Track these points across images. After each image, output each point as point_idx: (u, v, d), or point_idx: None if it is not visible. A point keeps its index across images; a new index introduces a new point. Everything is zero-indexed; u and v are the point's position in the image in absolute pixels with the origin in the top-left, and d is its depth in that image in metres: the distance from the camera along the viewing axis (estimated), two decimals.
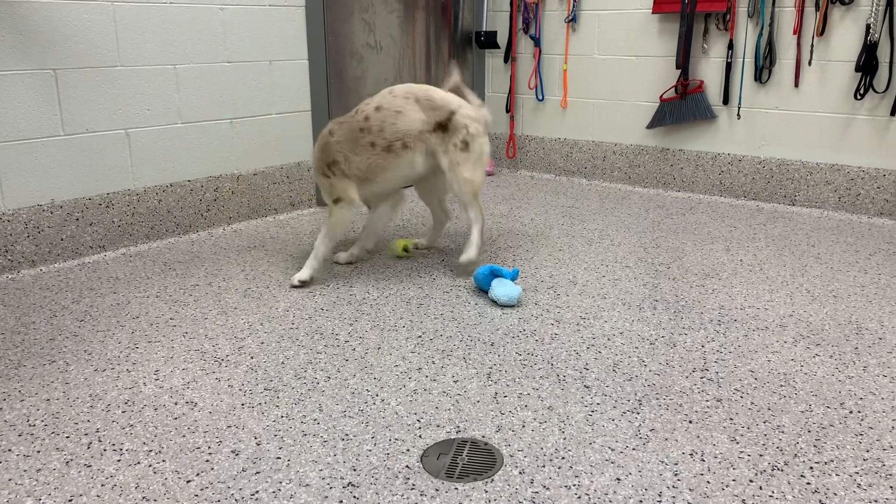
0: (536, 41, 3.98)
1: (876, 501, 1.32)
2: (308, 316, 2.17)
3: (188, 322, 2.14)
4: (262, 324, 2.12)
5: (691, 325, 2.11)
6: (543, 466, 1.43)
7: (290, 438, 1.54)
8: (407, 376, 1.80)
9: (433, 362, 1.88)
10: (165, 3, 2.80)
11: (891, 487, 1.36)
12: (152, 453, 1.49)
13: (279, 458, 1.47)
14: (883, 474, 1.40)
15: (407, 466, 1.44)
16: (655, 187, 3.79)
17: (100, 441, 1.53)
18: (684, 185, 3.70)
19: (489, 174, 4.19)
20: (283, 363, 1.88)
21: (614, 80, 3.80)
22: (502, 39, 4.13)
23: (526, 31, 4.02)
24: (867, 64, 3.05)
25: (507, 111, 4.20)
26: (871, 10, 3.02)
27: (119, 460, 1.47)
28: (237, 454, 1.48)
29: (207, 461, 1.46)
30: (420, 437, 1.54)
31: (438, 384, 1.76)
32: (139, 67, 2.76)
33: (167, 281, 2.48)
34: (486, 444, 1.51)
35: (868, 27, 3.03)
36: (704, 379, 1.78)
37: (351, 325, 2.11)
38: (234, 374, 1.82)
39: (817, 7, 3.15)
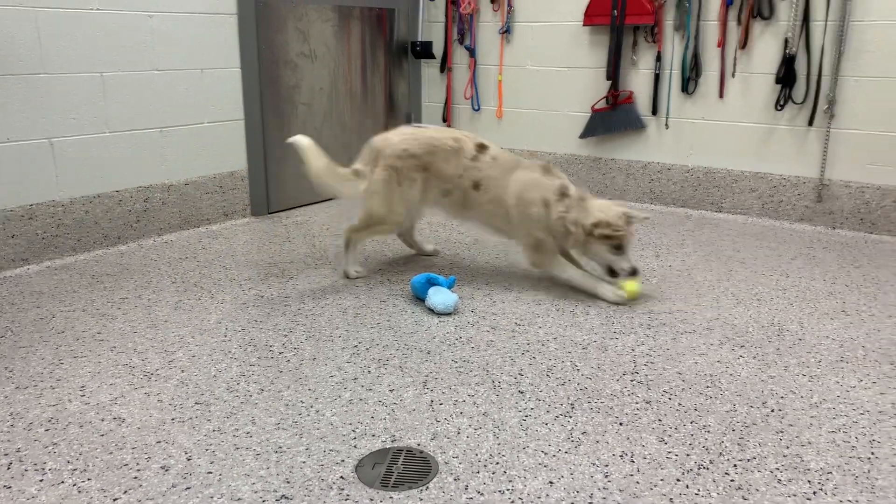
0: (472, 52, 4.03)
1: (795, 496, 1.37)
2: (241, 328, 2.14)
3: (116, 336, 2.08)
4: (193, 336, 2.08)
5: (622, 329, 2.15)
6: (478, 472, 1.44)
7: (222, 452, 1.51)
8: (342, 386, 1.79)
9: (369, 372, 1.87)
10: (91, 9, 2.73)
11: (809, 482, 1.41)
12: (77, 472, 1.44)
13: (210, 472, 1.44)
14: (802, 469, 1.46)
15: (341, 477, 1.43)
16: None
17: (21, 461, 1.48)
18: (616, 193, 3.78)
19: None
20: (214, 376, 1.84)
21: (548, 90, 3.87)
22: (438, 50, 4.16)
23: (461, 41, 4.06)
24: (786, 76, 3.19)
25: (444, 121, 4.23)
26: (789, 25, 3.16)
27: (41, 480, 1.41)
28: (167, 470, 1.45)
29: (136, 478, 1.42)
30: (355, 447, 1.53)
31: (374, 394, 1.76)
32: (64, 75, 2.68)
33: (94, 294, 2.41)
34: (421, 452, 1.52)
35: (786, 41, 3.17)
36: (634, 382, 1.83)
37: (286, 336, 2.09)
38: (164, 389, 1.78)
39: (739, 21, 3.28)
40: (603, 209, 2.35)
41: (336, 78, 3.73)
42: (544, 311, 2.29)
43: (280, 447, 1.53)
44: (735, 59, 3.33)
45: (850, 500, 1.36)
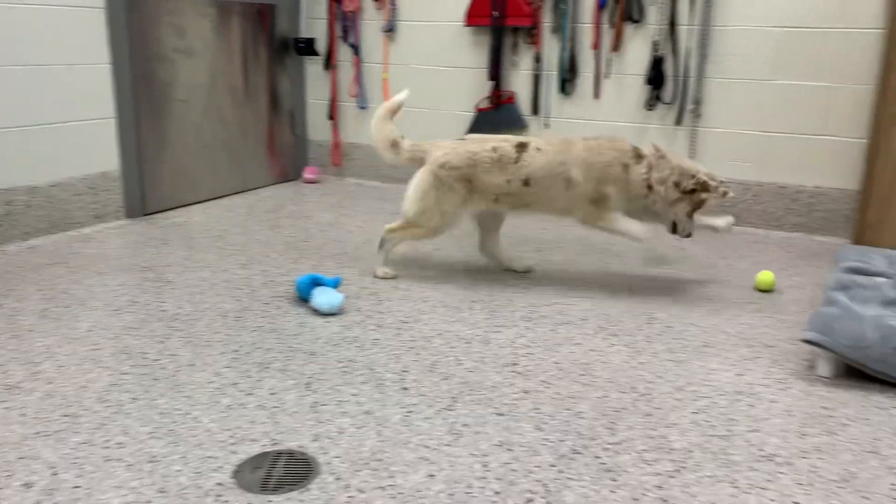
0: (356, 49, 4.01)
1: (659, 474, 1.46)
2: (114, 335, 2.05)
3: None
4: (61, 346, 1.98)
5: (504, 322, 2.21)
6: (359, 470, 1.45)
7: (91, 465, 1.44)
8: (221, 392, 1.75)
9: (249, 376, 1.84)
10: None
11: (672, 461, 1.50)
12: None
13: (78, 486, 1.38)
14: (666, 449, 1.55)
15: (219, 483, 1.40)
16: None
17: None
18: None
19: (313, 181, 4.16)
20: (84, 387, 1.76)
21: (433, 89, 3.91)
22: (322, 47, 4.12)
23: (345, 39, 4.04)
24: (656, 78, 3.36)
25: (330, 118, 4.19)
26: (658, 29, 3.33)
27: None
28: (30, 487, 1.37)
29: None
30: (234, 452, 1.50)
31: (255, 398, 1.73)
32: None
33: None
34: (302, 453, 1.50)
35: (655, 44, 3.34)
36: (514, 373, 1.88)
37: (161, 342, 2.02)
38: (28, 402, 1.68)
39: (612, 24, 3.42)
40: (692, 166, 2.43)
41: (215, 74, 3.63)
42: (430, 307, 2.32)
43: (154, 456, 1.48)
44: (609, 60, 3.48)
45: (708, 476, 1.45)
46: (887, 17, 2.80)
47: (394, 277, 2.59)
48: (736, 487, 1.42)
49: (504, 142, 2.52)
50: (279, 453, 1.50)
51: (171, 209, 3.48)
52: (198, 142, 3.59)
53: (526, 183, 2.48)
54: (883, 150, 2.63)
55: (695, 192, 2.40)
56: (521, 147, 2.50)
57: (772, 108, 3.23)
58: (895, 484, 1.44)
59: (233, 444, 1.53)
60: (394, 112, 2.59)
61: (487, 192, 2.50)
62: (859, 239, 2.73)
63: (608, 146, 2.48)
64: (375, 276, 2.59)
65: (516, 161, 2.48)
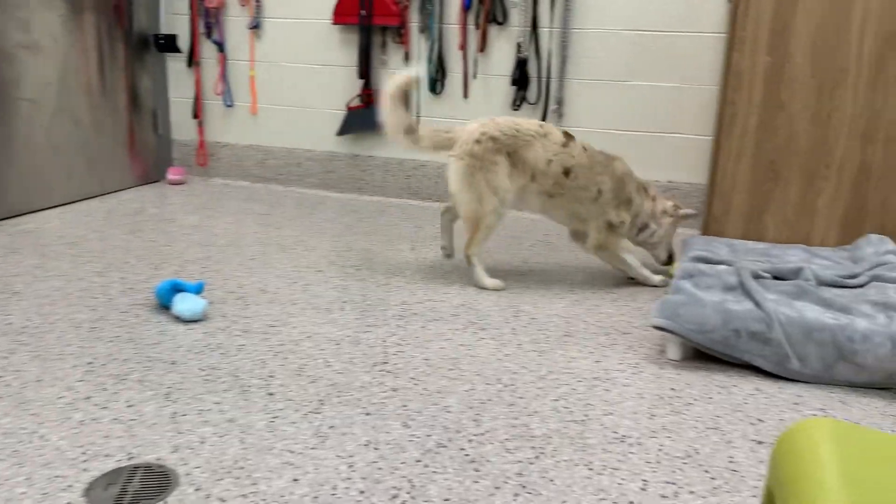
0: (220, 46, 3.89)
1: (520, 462, 1.51)
2: None
3: None
4: None
5: (375, 322, 2.22)
6: (221, 479, 1.42)
7: None
8: (72, 407, 1.66)
9: (104, 389, 1.75)
10: None
11: (532, 447, 1.56)
12: None
13: None
14: (528, 437, 1.60)
15: (69, 503, 1.33)
16: (350, 192, 3.92)
17: None
18: (376, 189, 3.87)
19: (178, 182, 4.00)
20: None
21: (302, 87, 3.86)
22: (184, 43, 3.97)
23: (209, 35, 3.91)
24: (520, 78, 3.46)
25: (195, 117, 4.05)
26: (521, 31, 3.43)
27: None
28: None
29: None
30: (85, 470, 1.43)
31: (110, 411, 1.65)
32: None
33: None
34: (160, 466, 1.45)
35: (519, 45, 3.44)
36: (384, 371, 1.89)
37: (6, 358, 1.88)
38: None
39: (477, 25, 3.50)
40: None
41: (66, 72, 3.42)
42: (299, 310, 2.29)
43: None
44: (476, 61, 3.55)
45: (566, 460, 1.52)
46: (728, 22, 3.01)
47: (503, 289, 2.53)
48: (591, 469, 1.49)
49: (551, 125, 2.56)
50: (135, 467, 1.44)
51: (20, 215, 3.25)
52: (48, 144, 3.37)
53: (566, 173, 2.48)
54: (725, 146, 2.84)
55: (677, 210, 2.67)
56: (569, 137, 2.54)
57: (628, 107, 3.40)
58: (733, 457, 1.56)
59: (84, 461, 1.46)
60: (405, 92, 2.43)
61: (526, 166, 2.46)
62: (707, 230, 2.93)
63: (632, 174, 2.64)
64: (488, 289, 2.53)
65: (564, 146, 2.49)
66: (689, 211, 2.69)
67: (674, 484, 1.45)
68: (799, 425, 0.72)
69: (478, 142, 2.43)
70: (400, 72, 2.46)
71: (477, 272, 2.55)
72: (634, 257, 2.64)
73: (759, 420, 1.71)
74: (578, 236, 2.68)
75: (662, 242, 2.69)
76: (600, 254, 2.63)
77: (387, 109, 2.47)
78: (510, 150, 2.44)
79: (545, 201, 2.55)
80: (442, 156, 2.55)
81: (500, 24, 3.47)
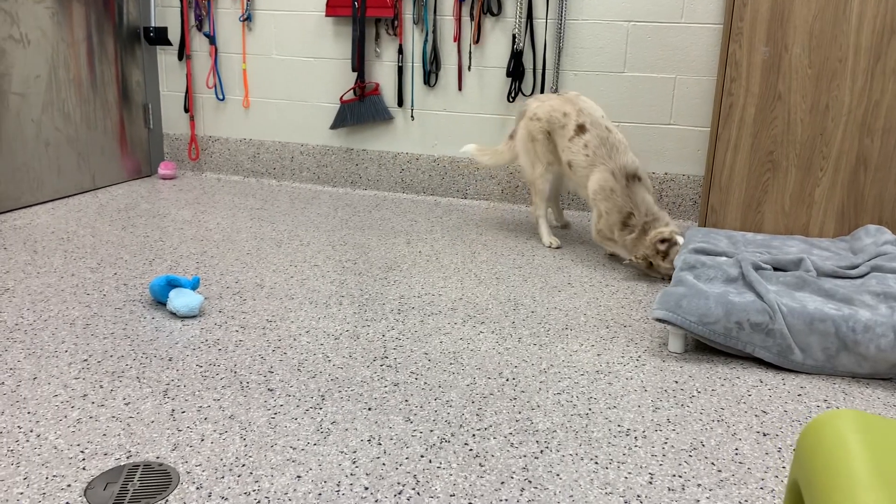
0: (212, 39, 3.85)
1: (525, 456, 1.50)
2: None
3: None
4: None
5: (374, 316, 2.20)
6: (223, 477, 1.39)
7: None
8: (69, 405, 1.63)
9: (101, 386, 1.72)
10: None
11: (537, 442, 1.55)
12: None
13: None
14: (531, 431, 1.59)
15: (67, 503, 1.30)
16: (344, 186, 3.89)
17: None
18: (370, 183, 3.85)
19: (170, 177, 3.96)
20: None
21: (295, 80, 3.82)
22: (174, 36, 3.92)
23: (200, 28, 3.86)
24: (515, 70, 3.44)
25: (187, 111, 4.00)
26: (516, 22, 3.41)
27: None
28: None
29: None
30: (84, 469, 1.41)
31: (107, 409, 1.62)
32: None
33: None
34: (160, 464, 1.43)
35: (514, 37, 3.42)
36: (384, 366, 1.87)
37: None
38: None
39: (472, 17, 3.47)
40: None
41: (56, 65, 3.37)
42: (297, 305, 2.27)
43: None
44: (470, 53, 3.53)
45: (571, 454, 1.51)
46: (725, 12, 3.00)
47: (558, 247, 2.92)
48: (596, 463, 1.48)
49: (576, 113, 2.77)
50: (135, 466, 1.42)
51: (10, 211, 3.21)
52: (38, 138, 3.32)
53: (570, 165, 2.79)
54: (722, 137, 2.83)
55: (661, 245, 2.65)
56: (581, 130, 2.73)
57: (623, 99, 3.39)
58: (738, 449, 1.55)
59: (83, 460, 1.43)
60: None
61: (556, 147, 2.86)
62: (704, 221, 2.92)
63: (616, 191, 2.71)
64: (544, 245, 2.95)
65: (570, 140, 2.75)
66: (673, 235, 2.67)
67: (680, 477, 1.44)
68: (823, 417, 0.70)
69: (531, 119, 2.90)
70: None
71: (539, 229, 3.01)
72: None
73: (764, 412, 1.70)
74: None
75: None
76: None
77: (483, 162, 3.18)
78: (549, 132, 2.86)
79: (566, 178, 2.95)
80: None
81: (494, 15, 3.44)
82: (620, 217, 2.61)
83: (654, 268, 2.57)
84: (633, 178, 2.63)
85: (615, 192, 2.62)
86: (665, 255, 2.52)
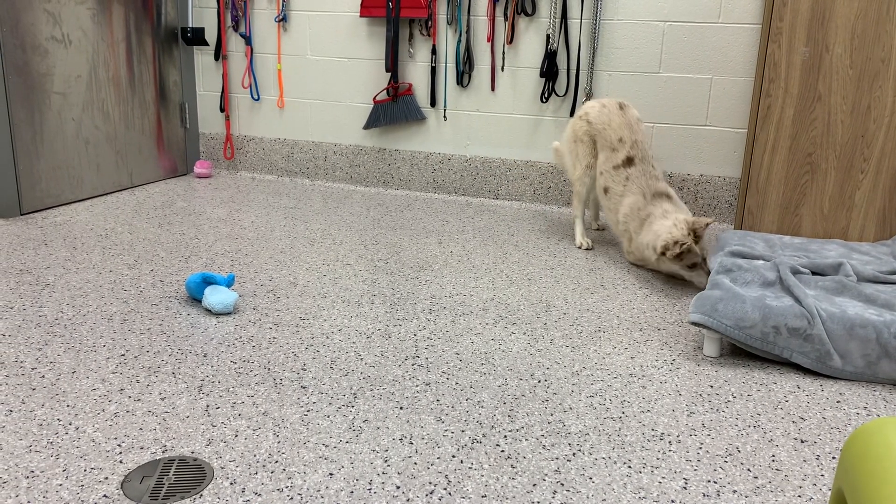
0: (248, 39, 3.89)
1: (557, 458, 1.49)
2: None
3: None
4: None
5: (405, 315, 2.20)
6: (256, 473, 1.41)
7: None
8: (107, 399, 1.66)
9: (138, 381, 1.75)
10: None
11: (569, 444, 1.54)
12: None
13: None
14: (563, 433, 1.58)
15: (105, 496, 1.32)
16: (376, 186, 3.91)
17: None
18: (402, 183, 3.86)
19: (205, 176, 4.02)
20: None
21: (329, 80, 3.85)
22: (211, 36, 3.97)
23: (236, 28, 3.91)
24: (549, 70, 3.43)
25: (222, 111, 4.05)
26: (550, 22, 3.40)
27: None
28: None
29: None
30: (121, 462, 1.43)
31: (143, 404, 1.65)
32: None
33: None
34: (195, 459, 1.45)
35: (548, 37, 3.40)
36: (415, 365, 1.88)
37: (40, 349, 1.89)
38: None
39: (506, 17, 3.46)
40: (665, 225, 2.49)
41: (96, 65, 3.43)
42: (329, 303, 2.28)
43: (32, 472, 1.38)
44: (504, 53, 3.52)
45: (604, 457, 1.49)
46: (763, 12, 2.95)
47: (588, 249, 2.91)
48: (630, 467, 1.46)
49: (631, 141, 2.72)
50: (170, 460, 1.44)
51: (50, 208, 3.28)
52: (79, 137, 3.39)
53: (605, 191, 2.77)
54: (760, 139, 2.78)
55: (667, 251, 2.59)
56: (629, 163, 2.69)
57: (658, 99, 3.35)
58: (775, 455, 1.52)
59: (120, 453, 1.46)
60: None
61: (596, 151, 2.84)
62: (741, 224, 2.88)
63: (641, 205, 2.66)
64: (575, 244, 2.96)
65: (616, 168, 2.72)
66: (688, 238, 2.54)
67: (716, 483, 1.42)
68: (870, 425, 0.69)
69: (580, 118, 2.88)
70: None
71: (574, 229, 3.01)
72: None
73: (801, 418, 1.67)
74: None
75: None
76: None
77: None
78: (594, 137, 2.83)
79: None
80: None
81: (528, 15, 3.43)
82: (640, 224, 2.57)
83: (682, 256, 2.40)
84: (659, 195, 2.59)
85: (642, 210, 2.58)
86: (688, 248, 2.38)
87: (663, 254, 2.39)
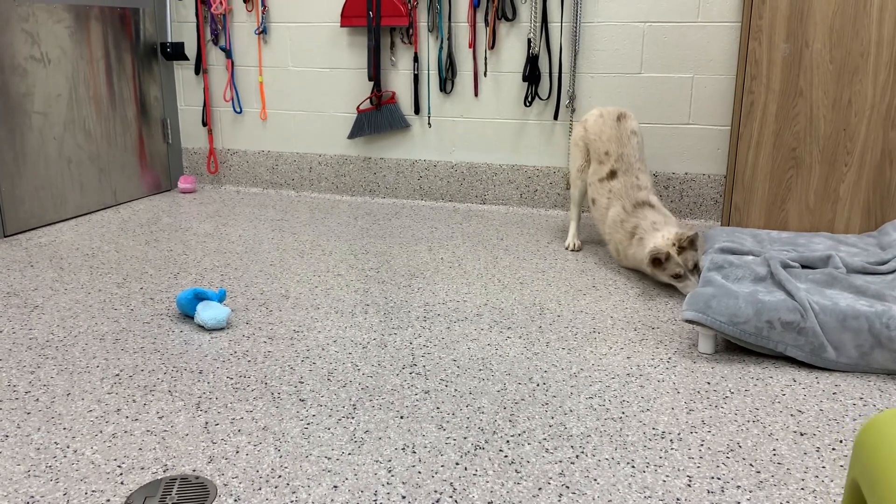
0: (228, 53, 3.88)
1: (560, 461, 1.49)
2: None
3: None
4: None
5: (400, 324, 2.20)
6: (260, 489, 1.39)
7: None
8: (104, 420, 1.64)
9: (134, 401, 1.73)
10: None
11: (572, 447, 1.54)
12: None
13: None
14: (565, 436, 1.58)
15: None
16: (362, 195, 3.90)
17: None
18: (388, 191, 3.85)
19: (190, 191, 3.99)
20: None
21: (312, 91, 3.84)
22: (191, 51, 3.95)
23: (216, 42, 3.89)
24: (531, 74, 3.44)
25: (205, 125, 4.03)
26: (531, 26, 3.41)
27: None
28: None
29: None
30: (122, 483, 1.41)
31: (141, 423, 1.63)
32: None
33: None
34: (197, 477, 1.43)
35: (529, 41, 3.42)
36: (413, 374, 1.87)
37: (32, 372, 1.87)
38: None
39: (487, 22, 3.48)
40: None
41: (76, 83, 3.41)
42: (323, 315, 2.27)
43: (32, 496, 1.36)
44: (486, 59, 3.53)
45: (607, 458, 1.50)
46: (743, 10, 2.99)
47: (578, 250, 2.94)
48: (633, 467, 1.47)
49: (620, 156, 2.73)
50: (172, 479, 1.42)
51: (35, 228, 3.24)
52: (61, 156, 3.36)
53: (593, 202, 2.80)
54: (744, 136, 2.81)
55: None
56: (612, 175, 2.73)
57: (641, 99, 3.37)
58: (776, 449, 1.53)
59: (120, 474, 1.44)
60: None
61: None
62: (728, 220, 2.90)
63: (624, 219, 2.66)
64: (566, 244, 2.99)
65: (601, 180, 2.75)
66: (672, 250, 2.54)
67: (719, 479, 1.43)
68: (882, 417, 0.69)
69: (580, 123, 2.92)
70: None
71: (571, 229, 3.00)
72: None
73: (799, 411, 1.69)
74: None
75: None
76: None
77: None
78: (588, 144, 2.86)
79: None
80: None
81: (509, 20, 3.44)
82: (627, 235, 2.58)
83: (663, 265, 2.42)
84: (640, 204, 2.60)
85: (625, 222, 2.60)
86: (672, 256, 2.39)
87: (652, 265, 2.43)
